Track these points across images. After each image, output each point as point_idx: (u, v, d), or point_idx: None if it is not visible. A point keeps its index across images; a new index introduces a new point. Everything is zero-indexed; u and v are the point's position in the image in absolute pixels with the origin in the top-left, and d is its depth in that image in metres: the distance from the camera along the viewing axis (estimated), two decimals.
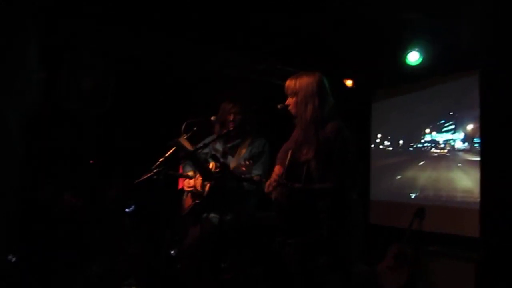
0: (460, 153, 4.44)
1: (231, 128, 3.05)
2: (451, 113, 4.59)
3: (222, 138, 3.16)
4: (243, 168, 2.65)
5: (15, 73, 0.83)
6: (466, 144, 4.38)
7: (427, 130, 4.86)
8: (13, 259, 3.01)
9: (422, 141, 4.91)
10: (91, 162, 4.07)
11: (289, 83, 2.50)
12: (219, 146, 3.19)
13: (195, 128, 2.94)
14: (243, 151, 3.13)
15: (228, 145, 3.18)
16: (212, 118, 3.06)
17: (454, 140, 4.53)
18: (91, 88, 4.06)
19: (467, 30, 3.82)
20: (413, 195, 4.93)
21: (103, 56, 4.18)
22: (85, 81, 4.04)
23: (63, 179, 3.95)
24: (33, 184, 3.59)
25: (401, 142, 5.20)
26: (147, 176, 2.57)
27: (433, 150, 4.76)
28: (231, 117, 3.07)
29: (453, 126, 4.56)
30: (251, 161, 2.69)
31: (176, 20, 3.98)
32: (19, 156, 0.84)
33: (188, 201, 3.14)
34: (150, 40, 4.30)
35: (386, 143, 5.39)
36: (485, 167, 4.11)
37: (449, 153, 4.57)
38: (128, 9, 3.77)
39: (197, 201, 3.06)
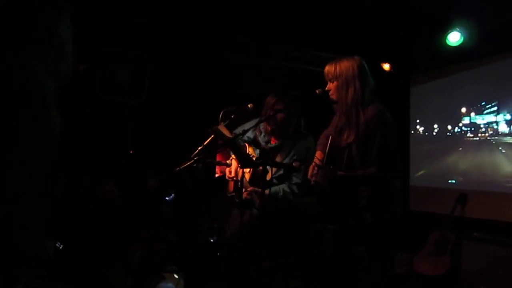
0: (506, 138, 4.26)
1: (269, 128, 2.97)
2: (493, 95, 4.40)
3: (266, 133, 3.05)
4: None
5: (48, 39, 0.83)
6: None
7: (465, 111, 4.68)
8: (61, 247, 3.10)
9: (461, 125, 4.75)
10: (131, 152, 4.14)
11: (329, 68, 2.46)
12: (261, 140, 3.08)
13: (232, 116, 2.88)
14: (283, 157, 2.94)
15: (269, 145, 3.04)
16: (249, 105, 2.99)
17: (497, 123, 4.35)
18: (128, 79, 4.13)
19: None
20: (454, 181, 4.79)
21: (140, 48, 4.23)
22: (122, 73, 4.11)
23: (103, 168, 4.04)
24: (73, 173, 3.68)
25: (440, 126, 5.03)
26: (187, 164, 2.59)
27: (473, 134, 4.60)
28: (273, 114, 2.83)
29: (495, 108, 4.38)
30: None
31: (208, 10, 3.97)
32: (56, 128, 0.82)
33: (231, 185, 3.10)
34: (185, 31, 4.32)
35: (425, 127, 5.23)
36: None
37: (491, 137, 4.40)
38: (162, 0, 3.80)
39: (236, 200, 2.98)
